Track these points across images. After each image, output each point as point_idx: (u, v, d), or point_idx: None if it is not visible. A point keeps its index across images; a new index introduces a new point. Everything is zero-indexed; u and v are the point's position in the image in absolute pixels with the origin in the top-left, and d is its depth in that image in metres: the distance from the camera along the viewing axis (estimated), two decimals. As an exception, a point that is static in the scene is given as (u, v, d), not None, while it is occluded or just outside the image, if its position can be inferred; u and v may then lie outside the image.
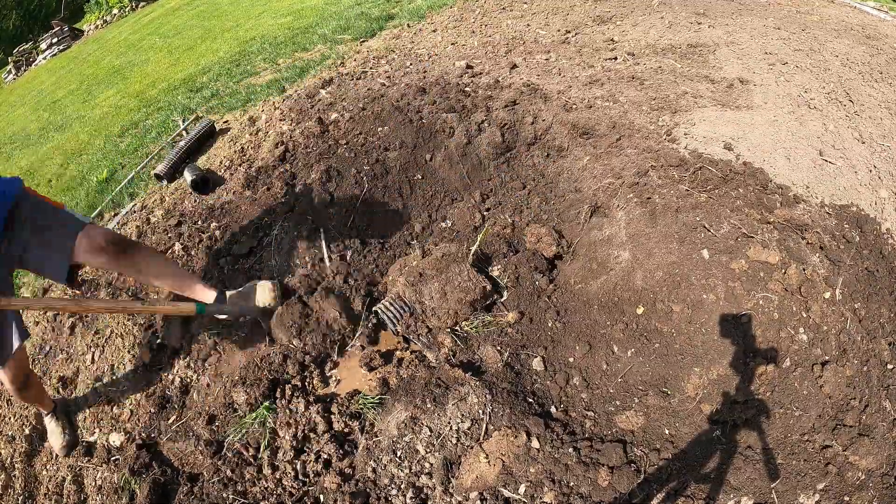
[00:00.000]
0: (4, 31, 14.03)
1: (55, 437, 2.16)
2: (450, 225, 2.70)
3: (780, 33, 3.59)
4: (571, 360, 2.10)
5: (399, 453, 1.84)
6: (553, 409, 1.96)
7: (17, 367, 1.87)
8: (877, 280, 2.04)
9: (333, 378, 2.16)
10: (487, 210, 2.72)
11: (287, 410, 2.02)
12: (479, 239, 2.41)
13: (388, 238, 2.66)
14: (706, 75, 3.17)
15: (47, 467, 2.14)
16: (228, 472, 1.92)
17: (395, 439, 1.86)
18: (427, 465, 1.81)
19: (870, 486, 1.61)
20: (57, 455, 2.15)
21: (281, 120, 3.33)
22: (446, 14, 5.07)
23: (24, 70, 11.99)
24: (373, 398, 2.00)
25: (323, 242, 2.55)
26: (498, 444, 1.81)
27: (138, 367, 2.30)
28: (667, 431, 1.86)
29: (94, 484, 2.01)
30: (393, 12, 5.43)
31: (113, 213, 3.08)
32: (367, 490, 1.78)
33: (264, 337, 2.23)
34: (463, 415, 1.87)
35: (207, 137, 3.41)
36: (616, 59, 3.53)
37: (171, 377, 2.25)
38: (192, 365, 2.25)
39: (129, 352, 2.34)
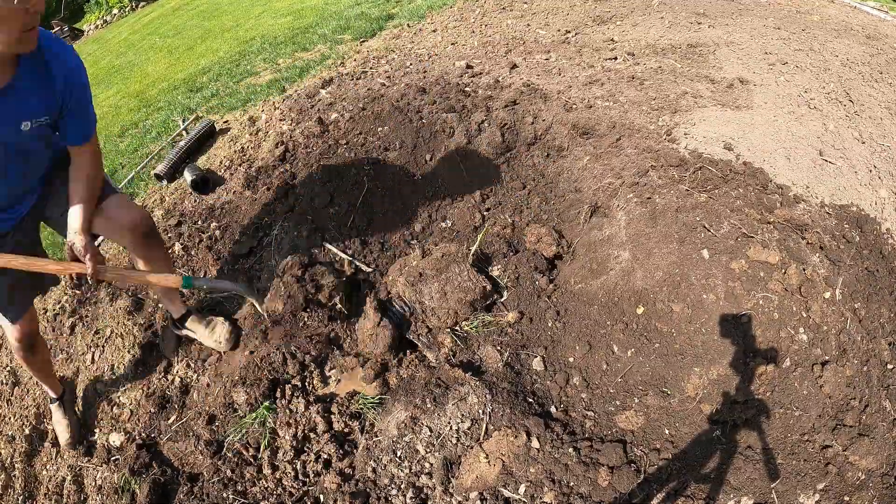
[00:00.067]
0: (4, 31, 14.00)
1: (60, 428, 2.13)
2: (450, 225, 2.70)
3: (780, 33, 3.59)
4: (571, 359, 2.10)
5: (399, 453, 1.84)
6: (553, 409, 1.96)
7: (27, 326, 1.87)
8: (877, 280, 2.04)
9: (333, 378, 2.16)
10: (487, 210, 2.71)
11: (287, 410, 2.02)
12: (479, 239, 2.41)
13: (388, 238, 2.66)
14: (706, 75, 3.17)
15: (47, 467, 2.14)
16: (228, 472, 1.92)
17: (395, 439, 1.86)
18: (427, 465, 1.81)
19: (870, 486, 1.61)
20: (61, 448, 2.12)
21: (281, 120, 3.33)
22: (446, 14, 5.07)
23: (24, 70, 11.96)
24: (373, 398, 2.00)
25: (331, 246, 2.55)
26: (498, 444, 1.81)
27: (138, 367, 2.30)
28: (667, 431, 1.87)
29: (94, 484, 2.01)
30: (393, 12, 5.43)
31: (113, 213, 3.07)
32: (367, 490, 1.78)
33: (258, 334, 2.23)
34: (463, 415, 1.87)
35: (207, 137, 3.41)
36: (616, 59, 3.53)
37: (171, 377, 2.25)
38: (191, 365, 2.26)
39: (128, 352, 2.34)
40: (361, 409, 2.00)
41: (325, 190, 2.73)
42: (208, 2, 9.42)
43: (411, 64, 3.88)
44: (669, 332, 2.10)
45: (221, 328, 2.22)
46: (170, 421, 2.10)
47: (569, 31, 4.15)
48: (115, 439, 2.10)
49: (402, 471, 1.81)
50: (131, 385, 2.26)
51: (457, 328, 2.22)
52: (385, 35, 4.80)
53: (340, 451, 1.90)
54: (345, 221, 2.66)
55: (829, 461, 1.69)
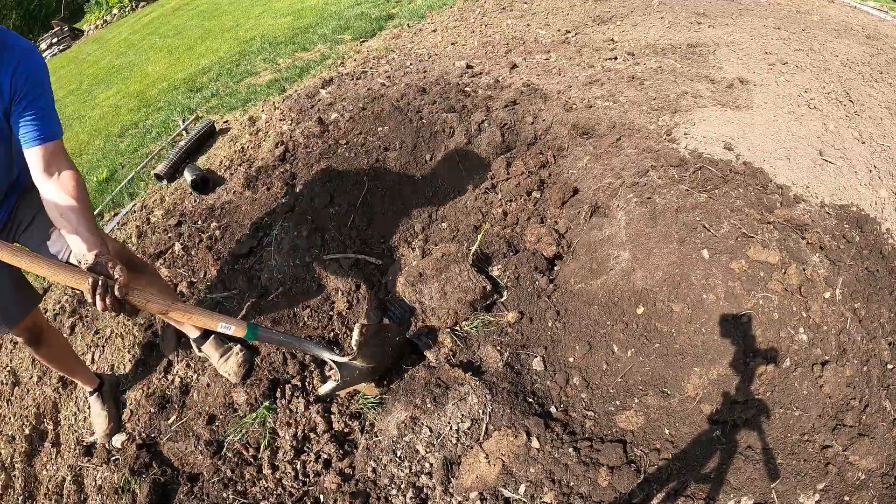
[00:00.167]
0: (4, 31, 14.01)
1: (98, 419, 2.10)
2: (450, 225, 2.70)
3: (780, 33, 3.59)
4: (571, 359, 2.10)
5: (399, 453, 1.84)
6: (553, 409, 1.96)
7: (30, 319, 1.81)
8: (877, 280, 2.04)
9: (333, 378, 2.16)
10: (487, 210, 2.71)
11: (287, 410, 2.02)
12: (478, 239, 2.41)
13: (389, 238, 2.66)
14: (706, 75, 3.17)
15: (47, 467, 2.14)
16: (228, 472, 1.92)
17: (395, 439, 1.86)
18: (427, 465, 1.81)
19: (870, 486, 1.61)
20: (97, 440, 2.10)
21: (281, 120, 3.33)
22: (446, 14, 5.07)
23: (24, 70, 11.96)
24: (373, 398, 2.00)
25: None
26: (498, 444, 1.81)
27: (138, 367, 2.30)
28: (667, 431, 1.86)
29: (94, 484, 2.01)
30: (393, 12, 5.43)
31: (113, 213, 3.08)
32: (367, 490, 1.78)
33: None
34: (463, 415, 1.87)
35: (207, 137, 3.41)
36: (616, 58, 3.53)
37: (171, 377, 2.25)
38: (191, 365, 2.25)
39: (128, 352, 2.34)
40: (361, 408, 2.00)
41: (325, 190, 2.73)
42: (208, 2, 9.42)
43: (411, 64, 3.88)
44: (669, 332, 2.10)
45: (234, 360, 2.11)
46: (170, 421, 2.10)
47: (569, 31, 4.15)
48: (116, 439, 2.10)
49: (402, 471, 1.81)
50: (131, 385, 2.25)
51: (457, 328, 2.22)
52: (385, 35, 4.80)
53: (340, 451, 1.90)
54: (345, 221, 2.66)
55: (829, 461, 1.69)
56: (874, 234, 2.17)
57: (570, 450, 1.78)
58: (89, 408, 2.18)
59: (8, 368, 2.47)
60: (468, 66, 3.65)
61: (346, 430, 1.97)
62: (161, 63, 6.26)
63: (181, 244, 2.64)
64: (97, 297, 1.24)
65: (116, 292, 1.25)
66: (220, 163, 3.13)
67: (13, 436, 2.24)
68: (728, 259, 2.17)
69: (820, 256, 2.10)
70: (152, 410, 2.14)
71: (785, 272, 2.09)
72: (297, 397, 2.05)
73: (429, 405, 1.91)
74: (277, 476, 1.89)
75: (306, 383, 2.13)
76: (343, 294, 2.42)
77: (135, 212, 2.99)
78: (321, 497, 1.81)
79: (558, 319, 2.21)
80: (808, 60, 3.19)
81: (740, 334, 2.02)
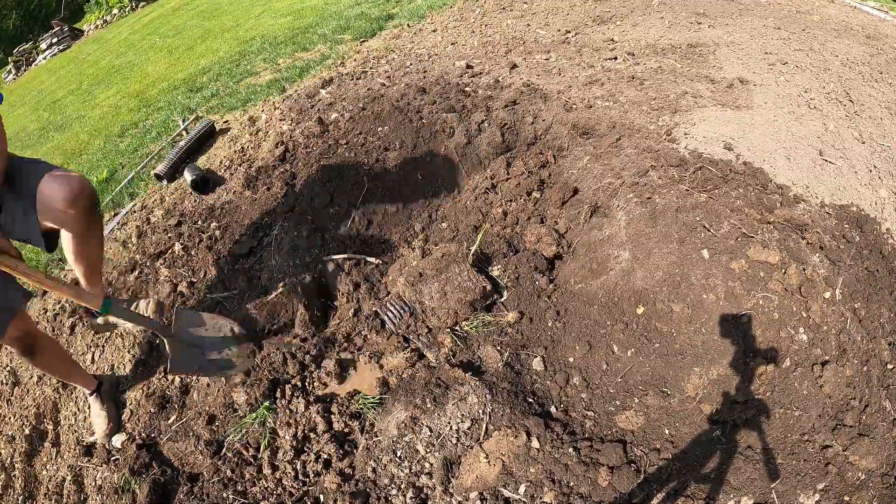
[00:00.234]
0: (4, 31, 14.04)
1: (98, 420, 2.11)
2: (450, 225, 2.70)
3: (780, 33, 3.59)
4: (571, 359, 2.10)
5: (399, 453, 1.84)
6: (553, 409, 1.96)
7: (18, 330, 1.81)
8: (877, 280, 2.04)
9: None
10: (487, 210, 2.71)
11: (287, 410, 2.02)
12: (478, 239, 2.41)
13: (389, 238, 2.66)
14: (706, 75, 3.17)
15: (47, 467, 2.14)
16: (228, 472, 1.92)
17: (395, 439, 1.86)
18: (427, 465, 1.81)
19: (870, 486, 1.61)
20: (97, 440, 2.10)
21: (281, 120, 3.33)
22: (446, 14, 5.07)
23: (24, 70, 12.00)
24: (373, 398, 2.00)
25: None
26: (498, 444, 1.81)
27: (138, 367, 2.30)
28: (667, 431, 1.86)
29: (94, 484, 2.01)
30: (393, 12, 5.43)
31: (113, 213, 3.08)
32: (367, 490, 1.78)
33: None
34: (463, 415, 1.87)
35: (207, 137, 3.41)
36: (616, 59, 3.53)
37: (171, 377, 2.25)
38: (192, 365, 2.25)
39: (128, 352, 2.34)
40: (361, 408, 2.00)
41: (325, 190, 2.73)
42: (208, 2, 9.42)
43: (411, 64, 3.88)
44: (669, 332, 2.10)
45: (143, 305, 2.18)
46: (170, 421, 2.10)
47: (569, 31, 4.15)
48: (116, 439, 2.10)
49: (402, 471, 1.81)
50: (131, 385, 2.25)
51: (457, 328, 2.22)
52: (385, 35, 4.80)
53: (340, 451, 1.90)
54: (345, 221, 2.66)
55: (829, 461, 1.69)
56: (874, 234, 2.17)
57: (570, 450, 1.78)
58: (89, 408, 2.18)
59: (8, 368, 2.47)
60: (468, 66, 3.65)
61: (346, 430, 1.97)
62: (161, 63, 6.26)
63: (181, 244, 2.64)
64: None
65: None
66: (220, 163, 3.13)
67: (13, 436, 2.24)
68: (728, 259, 2.17)
69: (820, 256, 2.10)
70: (152, 410, 2.14)
71: (785, 272, 2.09)
72: (297, 397, 2.05)
73: (429, 405, 1.91)
74: (277, 476, 1.89)
75: (306, 383, 2.13)
76: (343, 294, 2.42)
77: (135, 212, 2.99)
78: (321, 497, 1.81)
79: (558, 319, 2.21)
80: (808, 60, 3.19)
81: (740, 334, 2.02)
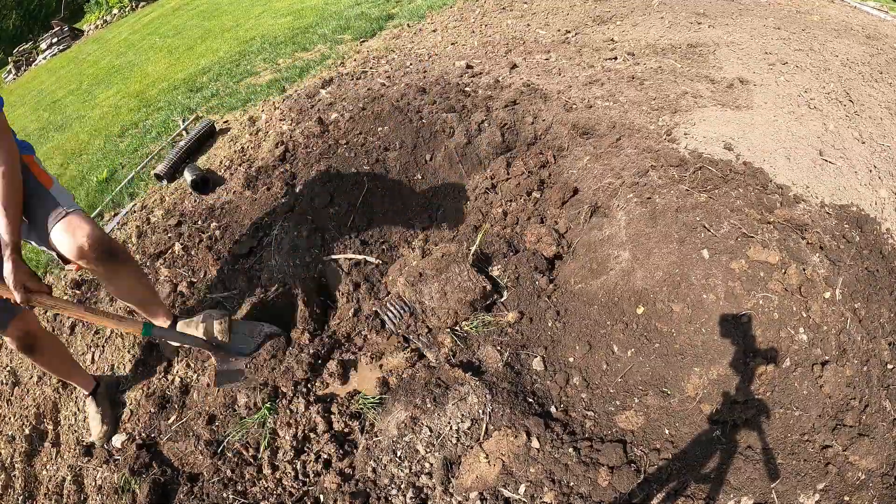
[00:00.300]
0: (4, 31, 14.04)
1: (94, 422, 2.11)
2: (450, 225, 2.70)
3: (780, 33, 3.59)
4: (571, 359, 2.10)
5: (399, 453, 1.84)
6: (553, 409, 1.96)
7: (21, 329, 1.83)
8: (877, 280, 2.04)
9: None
10: (487, 210, 2.71)
11: (287, 411, 2.02)
12: (478, 239, 2.41)
13: (389, 238, 2.66)
14: (706, 75, 3.17)
15: (47, 467, 2.14)
16: (228, 472, 1.92)
17: (395, 439, 1.86)
18: (427, 465, 1.81)
19: (870, 486, 1.61)
20: (93, 442, 2.11)
21: (281, 120, 3.33)
22: (446, 14, 5.07)
23: (24, 70, 12.00)
24: (373, 398, 2.00)
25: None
26: (498, 444, 1.81)
27: (138, 367, 2.30)
28: (667, 431, 1.86)
29: (94, 484, 2.01)
30: (393, 12, 5.43)
31: (113, 213, 3.08)
32: (367, 490, 1.78)
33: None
34: (463, 415, 1.87)
35: (207, 137, 3.41)
36: (616, 58, 3.53)
37: (171, 377, 2.25)
38: (191, 365, 2.25)
39: (128, 352, 2.34)
40: (361, 409, 2.00)
41: (325, 190, 2.73)
42: (208, 2, 9.42)
43: (411, 64, 3.88)
44: (669, 332, 2.10)
45: (210, 323, 2.16)
46: (170, 421, 2.10)
47: (569, 31, 4.15)
48: (116, 439, 2.10)
49: (402, 471, 1.81)
50: (131, 385, 2.25)
51: (457, 328, 2.22)
52: (385, 35, 4.80)
53: (340, 451, 1.90)
54: (345, 221, 2.66)
55: (829, 461, 1.69)
56: (874, 234, 2.17)
57: (570, 450, 1.78)
58: (85, 408, 2.19)
59: (8, 368, 2.47)
60: (468, 66, 3.65)
61: (346, 430, 1.97)
62: (161, 63, 6.26)
63: (181, 244, 2.64)
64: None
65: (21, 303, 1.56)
66: (220, 163, 3.13)
67: (13, 436, 2.24)
68: (728, 259, 2.17)
69: (820, 256, 2.10)
70: (152, 410, 2.14)
71: (785, 272, 2.09)
72: (298, 398, 2.05)
73: (429, 405, 1.91)
74: (277, 476, 1.89)
75: (307, 384, 2.13)
76: (343, 294, 2.42)
77: (135, 212, 2.99)
78: (321, 497, 1.81)
79: (558, 319, 2.21)
80: (808, 60, 3.19)
81: (740, 334, 2.02)
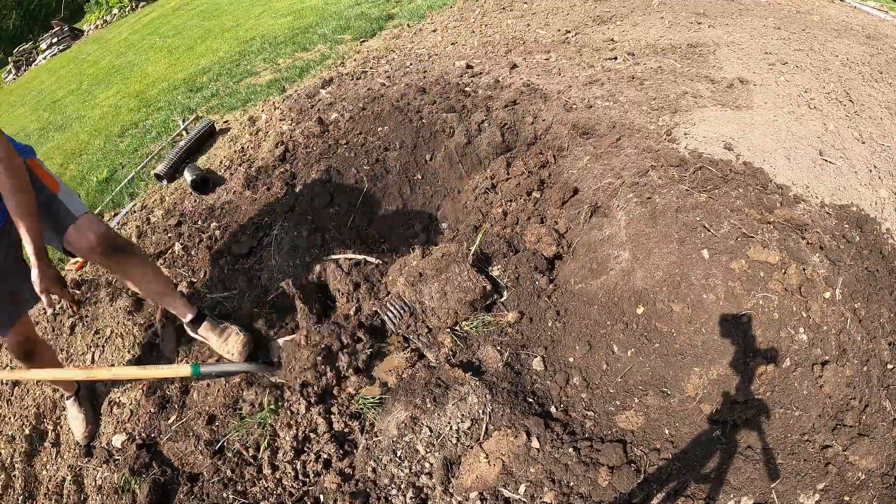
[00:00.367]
0: (4, 31, 14.04)
1: (76, 423, 2.13)
2: (450, 225, 2.70)
3: (780, 33, 3.59)
4: (571, 359, 2.10)
5: (399, 453, 1.84)
6: (553, 409, 1.96)
7: (20, 334, 1.86)
8: (877, 280, 2.04)
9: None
10: (487, 210, 2.71)
11: (288, 411, 2.02)
12: (478, 239, 2.41)
13: (388, 238, 2.66)
14: (706, 75, 3.17)
15: (47, 467, 2.14)
16: (228, 472, 1.92)
17: (395, 439, 1.86)
18: (427, 465, 1.81)
19: (870, 486, 1.61)
20: (77, 443, 2.12)
21: (281, 120, 3.33)
22: (446, 14, 5.07)
23: (24, 70, 12.00)
24: (373, 398, 2.00)
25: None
26: (498, 444, 1.81)
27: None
28: (667, 431, 1.87)
29: (94, 484, 2.01)
30: (393, 12, 5.44)
31: (113, 213, 3.08)
32: (367, 490, 1.78)
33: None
34: (463, 415, 1.87)
35: (207, 137, 3.41)
36: (616, 58, 3.53)
37: (171, 377, 2.25)
38: (192, 365, 2.25)
39: (129, 352, 2.34)
40: (361, 409, 2.00)
41: (325, 190, 2.73)
42: (208, 2, 9.42)
43: (411, 64, 3.88)
44: (669, 332, 2.10)
45: (235, 339, 2.14)
46: (170, 421, 2.10)
47: (569, 31, 4.15)
48: (116, 439, 2.10)
49: (402, 471, 1.81)
50: (131, 385, 2.25)
51: (457, 328, 2.22)
52: (385, 35, 4.80)
53: (340, 451, 1.90)
54: (345, 221, 2.66)
55: (829, 461, 1.69)
56: (874, 234, 2.17)
57: (570, 450, 1.78)
58: (65, 410, 2.20)
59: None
60: (468, 66, 3.65)
61: (346, 430, 1.97)
62: (161, 63, 6.27)
63: (181, 244, 2.64)
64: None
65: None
66: (220, 163, 3.13)
67: (13, 436, 2.25)
68: (728, 259, 2.17)
69: (820, 256, 2.10)
70: (152, 410, 2.14)
71: (785, 272, 2.09)
72: (298, 398, 2.05)
73: (429, 405, 1.91)
74: (277, 476, 1.89)
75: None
76: (343, 294, 2.42)
77: (135, 212, 2.99)
78: (321, 497, 1.81)
79: (558, 319, 2.21)
80: (808, 60, 3.19)
81: (740, 334, 2.02)
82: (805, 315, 2.00)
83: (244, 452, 1.96)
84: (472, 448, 1.82)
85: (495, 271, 2.42)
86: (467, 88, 3.29)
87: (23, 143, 1.81)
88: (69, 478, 2.06)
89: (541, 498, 1.69)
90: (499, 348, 2.12)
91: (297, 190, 2.77)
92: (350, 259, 2.52)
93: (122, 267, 1.92)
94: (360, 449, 1.90)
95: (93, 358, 2.38)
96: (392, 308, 2.25)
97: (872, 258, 2.10)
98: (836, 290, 2.02)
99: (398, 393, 1.98)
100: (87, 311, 2.54)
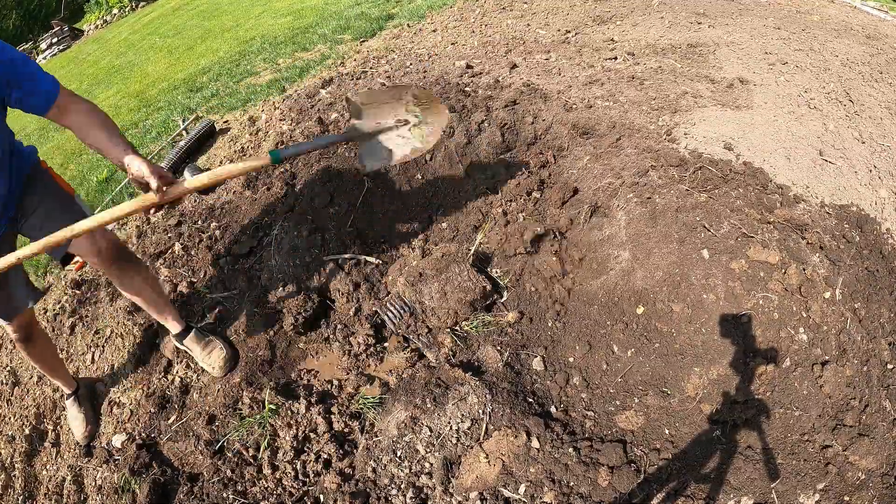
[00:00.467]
0: (4, 31, 14.03)
1: (76, 423, 2.13)
2: (450, 225, 2.70)
3: (780, 33, 3.59)
4: (571, 359, 2.10)
5: (399, 453, 1.84)
6: (553, 409, 1.96)
7: (24, 321, 1.89)
8: (877, 280, 2.04)
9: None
10: (487, 210, 2.71)
11: (288, 412, 2.02)
12: (478, 239, 2.41)
13: (388, 238, 2.66)
14: (706, 75, 3.17)
15: (47, 467, 2.14)
16: (228, 472, 1.92)
17: (395, 439, 1.86)
18: (427, 464, 1.81)
19: (870, 486, 1.61)
20: (77, 443, 2.12)
21: (281, 120, 3.33)
22: (446, 14, 5.07)
23: (24, 70, 11.96)
24: (373, 398, 2.00)
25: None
26: (498, 444, 1.81)
27: (138, 367, 2.30)
28: (667, 431, 1.87)
29: (94, 484, 2.01)
30: (393, 12, 5.43)
31: (113, 213, 3.08)
32: (367, 490, 1.78)
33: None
34: (463, 415, 1.87)
35: (207, 137, 3.41)
36: (616, 58, 3.53)
37: (171, 377, 2.25)
38: (192, 365, 2.25)
39: (128, 352, 2.34)
40: (361, 409, 2.00)
41: (325, 190, 2.73)
42: (208, 2, 9.42)
43: (411, 64, 3.88)
44: (669, 332, 2.10)
45: (218, 354, 2.16)
46: (170, 421, 2.10)
47: (569, 31, 4.15)
48: (116, 439, 2.10)
49: (402, 471, 1.81)
50: (131, 385, 2.25)
51: (457, 328, 2.22)
52: (385, 35, 4.80)
53: (340, 451, 1.90)
54: (345, 221, 2.66)
55: (829, 461, 1.69)
56: (874, 234, 2.17)
57: (570, 450, 1.78)
58: (65, 410, 2.20)
59: (8, 368, 2.47)
60: (468, 66, 3.65)
61: (346, 430, 1.97)
62: (161, 63, 6.27)
63: (181, 244, 2.64)
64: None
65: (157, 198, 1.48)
66: (220, 163, 3.13)
67: (13, 436, 2.24)
68: (728, 259, 2.17)
69: (820, 256, 2.10)
70: (152, 410, 2.13)
71: (785, 272, 2.09)
72: (298, 398, 2.05)
73: (429, 405, 1.91)
74: (277, 476, 1.89)
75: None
76: (343, 294, 2.42)
77: (135, 212, 2.98)
78: (321, 497, 1.81)
79: (558, 319, 2.21)
80: (808, 60, 3.19)
81: (740, 334, 2.02)
82: (805, 315, 2.00)
83: (244, 452, 1.96)
84: (472, 448, 1.82)
85: (495, 271, 2.42)
86: (467, 88, 3.29)
87: (23, 140, 1.81)
88: (69, 478, 2.06)
89: (541, 498, 1.69)
90: (499, 348, 2.12)
91: (297, 190, 2.77)
92: (350, 259, 2.51)
93: (125, 275, 1.97)
94: (360, 449, 1.90)
95: (93, 358, 2.38)
96: (392, 308, 2.25)
97: (872, 258, 2.10)
98: (836, 290, 2.02)
99: (398, 393, 1.98)
100: (87, 311, 2.54)
